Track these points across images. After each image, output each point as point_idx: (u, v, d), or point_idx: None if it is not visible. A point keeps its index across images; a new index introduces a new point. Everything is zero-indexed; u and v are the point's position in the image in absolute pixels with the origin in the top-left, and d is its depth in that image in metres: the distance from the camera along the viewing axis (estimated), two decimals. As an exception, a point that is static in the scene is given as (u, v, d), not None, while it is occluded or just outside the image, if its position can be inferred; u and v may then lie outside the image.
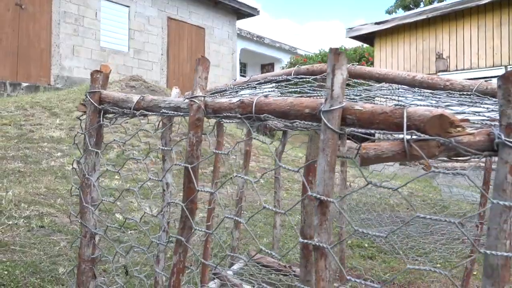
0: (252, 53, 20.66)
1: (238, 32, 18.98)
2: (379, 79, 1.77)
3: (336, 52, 1.02)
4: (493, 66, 11.25)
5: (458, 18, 11.77)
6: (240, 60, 20.64)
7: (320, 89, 1.97)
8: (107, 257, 1.76)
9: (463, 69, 11.58)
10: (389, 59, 12.72)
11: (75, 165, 1.84)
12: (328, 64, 1.03)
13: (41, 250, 3.60)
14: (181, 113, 1.39)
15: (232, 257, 3.29)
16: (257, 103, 1.20)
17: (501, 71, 11.24)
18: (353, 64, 1.85)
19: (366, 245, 4.90)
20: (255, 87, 2.15)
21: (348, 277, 1.06)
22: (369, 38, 13.11)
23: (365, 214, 6.21)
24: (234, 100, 1.26)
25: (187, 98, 1.34)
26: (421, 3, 21.74)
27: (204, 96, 1.33)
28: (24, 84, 11.14)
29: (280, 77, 2.04)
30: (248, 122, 1.22)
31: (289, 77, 1.98)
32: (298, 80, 1.90)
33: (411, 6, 21.47)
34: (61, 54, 12.35)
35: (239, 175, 1.33)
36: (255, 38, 20.24)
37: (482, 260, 3.13)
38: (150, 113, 1.48)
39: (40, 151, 6.61)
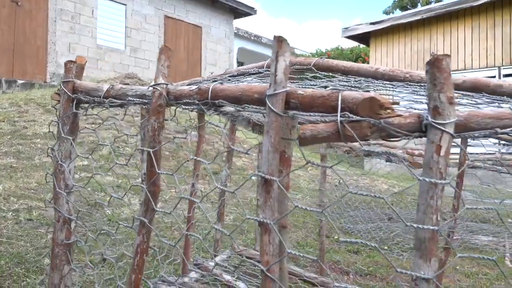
0: (249, 52, 20.72)
1: (236, 31, 19.04)
2: (345, 71, 1.84)
3: (279, 40, 1.08)
4: (487, 67, 11.33)
5: (452, 19, 11.85)
6: (237, 59, 20.71)
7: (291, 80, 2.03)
8: (80, 241, 1.82)
9: (457, 70, 11.64)
10: (384, 59, 12.79)
11: (51, 153, 1.90)
12: (272, 52, 1.09)
13: (27, 242, 3.66)
14: (146, 101, 1.45)
15: (215, 249, 3.35)
16: (212, 90, 1.26)
17: (494, 72, 11.34)
18: (321, 58, 1.91)
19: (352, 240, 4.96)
20: (229, 79, 2.21)
21: (296, 253, 1.12)
22: (364, 38, 13.18)
23: (354, 211, 6.27)
24: (193, 87, 1.32)
25: (150, 86, 1.41)
26: (418, 4, 21.81)
27: (167, 84, 1.39)
28: (20, 81, 11.19)
29: (253, 70, 2.10)
30: (206, 108, 1.28)
31: (261, 70, 2.05)
32: (269, 72, 1.95)
33: (408, 7, 21.55)
34: (57, 52, 12.40)
35: (194, 158, 1.38)
36: (252, 38, 20.30)
37: (457, 251, 3.18)
38: (118, 101, 1.55)
39: (33, 147, 6.67)
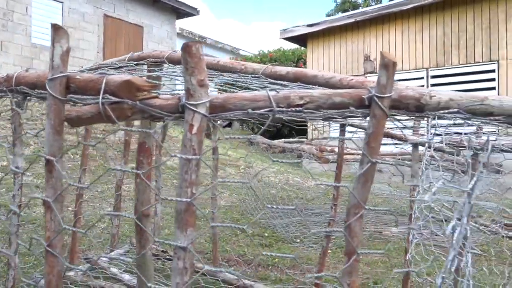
0: (194, 53, 20.68)
1: (180, 31, 18.98)
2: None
3: (55, 27, 1.15)
4: (416, 69, 11.86)
5: (384, 22, 12.31)
6: (182, 60, 20.59)
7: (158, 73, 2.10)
8: None
9: (389, 71, 12.10)
10: (321, 60, 13.12)
11: None
12: (50, 38, 1.15)
13: None
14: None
15: (112, 244, 3.37)
16: (17, 77, 1.31)
17: (423, 74, 11.88)
18: (175, 51, 1.99)
19: (266, 234, 5.10)
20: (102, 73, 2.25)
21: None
22: (302, 40, 13.47)
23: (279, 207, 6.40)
24: (4, 75, 1.36)
25: (-33, 74, 1.44)
26: (360, 8, 22.48)
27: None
28: None
29: (117, 63, 2.15)
30: (12, 95, 1.32)
31: (120, 64, 2.10)
32: (122, 64, 2.02)
33: (350, 10, 22.17)
34: (-12, 50, 11.96)
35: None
36: (197, 38, 20.29)
37: (339, 239, 3.36)
38: None
39: None
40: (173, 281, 1.09)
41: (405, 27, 12.03)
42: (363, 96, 1.15)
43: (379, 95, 1.12)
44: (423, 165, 2.15)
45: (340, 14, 14.89)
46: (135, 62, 2.01)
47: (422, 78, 11.68)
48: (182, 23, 17.90)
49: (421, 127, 3.29)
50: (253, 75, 1.74)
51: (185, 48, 1.06)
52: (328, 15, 23.41)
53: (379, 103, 1.12)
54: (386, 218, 6.13)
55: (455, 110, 1.18)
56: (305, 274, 3.73)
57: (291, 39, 13.49)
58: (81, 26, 14.40)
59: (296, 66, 16.36)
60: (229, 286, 3.00)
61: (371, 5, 21.77)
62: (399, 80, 12.17)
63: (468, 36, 11.03)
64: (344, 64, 12.74)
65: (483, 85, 10.77)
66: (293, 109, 1.13)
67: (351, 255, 1.18)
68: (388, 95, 1.13)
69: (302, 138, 10.29)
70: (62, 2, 13.93)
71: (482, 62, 10.93)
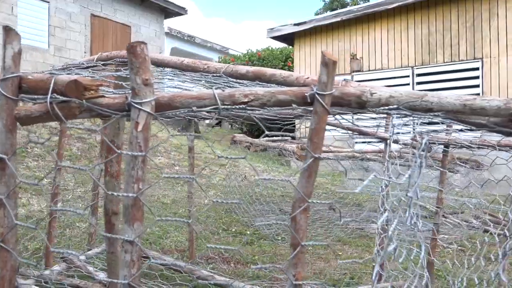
0: (183, 52, 20.63)
1: (168, 31, 18.95)
2: (157, 63, 1.96)
3: (6, 29, 1.18)
4: (401, 67, 11.94)
5: (370, 21, 12.39)
6: (171, 59, 20.51)
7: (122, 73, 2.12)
8: None
9: (375, 70, 12.22)
10: (308, 59, 13.18)
11: None
12: (2, 40, 1.19)
13: None
14: None
15: (90, 243, 3.39)
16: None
17: (408, 72, 11.97)
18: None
19: (248, 232, 5.15)
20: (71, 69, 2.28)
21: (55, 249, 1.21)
22: (289, 39, 13.52)
23: (262, 205, 6.46)
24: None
25: None
26: (348, 7, 22.59)
27: None
28: None
29: (84, 63, 2.19)
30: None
31: (88, 64, 2.13)
32: (90, 65, 2.05)
33: (338, 9, 22.27)
34: (-28, 50, 11.86)
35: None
36: (186, 38, 20.27)
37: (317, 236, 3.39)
38: None
39: None
40: (121, 273, 1.13)
41: (391, 26, 12.12)
42: (305, 94, 1.19)
43: (320, 92, 1.17)
44: (386, 161, 2.20)
45: (327, 13, 14.98)
46: (103, 62, 2.05)
47: (408, 76, 11.78)
48: (170, 22, 17.89)
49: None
50: (214, 74, 1.78)
51: (130, 49, 1.10)
52: (316, 14, 23.50)
53: (321, 100, 1.17)
54: (372, 215, 6.20)
55: (395, 106, 1.22)
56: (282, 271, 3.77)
57: (278, 38, 13.54)
58: (68, 26, 14.34)
59: (284, 65, 16.39)
60: (204, 281, 3.04)
61: (359, 4, 21.88)
62: (385, 79, 12.24)
63: (452, 35, 11.14)
64: (331, 63, 12.78)
65: (468, 83, 10.89)
66: (238, 106, 1.17)
67: (296, 247, 1.22)
68: (329, 92, 1.18)
69: (287, 136, 10.36)
70: (48, 2, 13.86)
71: (467, 60, 11.04)
